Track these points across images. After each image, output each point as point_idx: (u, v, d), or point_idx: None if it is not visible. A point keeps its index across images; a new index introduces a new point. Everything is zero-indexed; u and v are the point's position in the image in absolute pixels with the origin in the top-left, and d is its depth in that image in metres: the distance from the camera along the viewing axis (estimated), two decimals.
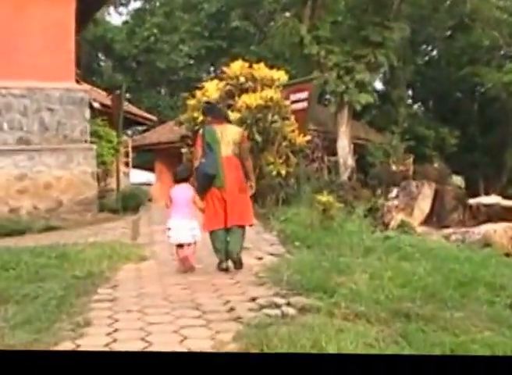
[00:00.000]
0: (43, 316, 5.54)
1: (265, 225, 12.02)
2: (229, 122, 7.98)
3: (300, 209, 12.64)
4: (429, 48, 37.00)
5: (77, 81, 13.85)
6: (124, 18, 39.12)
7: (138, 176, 34.04)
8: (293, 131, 13.50)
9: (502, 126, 33.70)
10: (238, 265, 7.64)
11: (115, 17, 54.05)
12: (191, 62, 35.24)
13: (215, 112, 7.86)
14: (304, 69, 25.42)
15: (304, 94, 14.04)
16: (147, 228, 11.71)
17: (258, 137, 12.99)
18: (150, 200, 29.16)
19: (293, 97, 14.15)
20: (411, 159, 12.38)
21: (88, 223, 12.12)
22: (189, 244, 7.64)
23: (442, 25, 32.34)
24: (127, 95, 41.88)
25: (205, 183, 7.37)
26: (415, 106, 38.64)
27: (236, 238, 7.61)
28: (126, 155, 27.30)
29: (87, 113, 12.98)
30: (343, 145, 24.61)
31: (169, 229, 7.77)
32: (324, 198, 10.63)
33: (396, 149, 25.36)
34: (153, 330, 5.18)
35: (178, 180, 7.85)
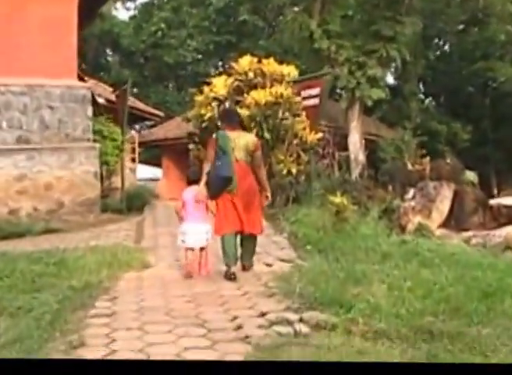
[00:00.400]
0: (35, 334, 5.17)
1: (275, 226, 11.54)
2: (244, 129, 7.85)
3: (312, 210, 12.14)
4: (441, 43, 36.23)
5: (81, 78, 13.38)
6: (131, 13, 38.39)
7: (145, 171, 33.71)
8: (304, 129, 12.99)
9: None
10: (247, 269, 7.60)
11: (122, 12, 53.26)
12: (199, 57, 34.68)
13: (231, 118, 7.71)
14: (314, 64, 24.84)
15: (316, 91, 13.52)
16: (151, 230, 11.24)
17: (268, 135, 12.50)
18: (156, 197, 29.05)
19: (303, 93, 13.61)
20: (428, 159, 11.78)
21: (90, 225, 11.65)
22: (202, 249, 7.49)
23: (455, 19, 31.65)
24: (134, 90, 41.91)
25: (221, 186, 7.17)
26: (426, 101, 37.82)
27: (248, 246, 7.56)
28: (133, 150, 27.01)
29: (90, 111, 12.49)
30: (354, 141, 24.07)
31: (184, 233, 7.54)
32: (337, 199, 10.13)
33: (408, 145, 24.83)
34: (153, 352, 4.73)
35: (190, 181, 7.71)
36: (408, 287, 6.49)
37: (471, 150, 31.43)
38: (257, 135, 12.24)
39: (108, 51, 41.32)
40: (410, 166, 11.21)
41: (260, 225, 7.63)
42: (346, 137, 23.98)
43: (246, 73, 14.93)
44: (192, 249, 7.46)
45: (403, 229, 9.99)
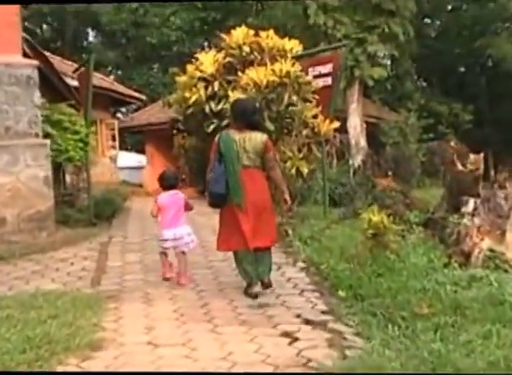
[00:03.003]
0: None
1: (285, 247, 8.26)
2: (256, 129, 6.17)
3: (330, 224, 8.90)
4: (437, 21, 32.89)
5: (27, 56, 9.85)
6: None
7: (129, 158, 30.42)
8: (315, 116, 9.64)
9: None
10: (267, 285, 6.19)
11: None
12: (184, 36, 30.95)
13: (246, 117, 6.14)
14: (309, 41, 21.38)
15: (327, 68, 10.13)
16: (117, 257, 7.89)
17: (271, 125, 9.16)
18: (140, 186, 25.71)
19: (312, 71, 10.24)
20: (482, 155, 8.40)
21: (39, 249, 8.22)
22: (183, 253, 6.80)
23: None
24: (118, 73, 38.46)
25: (214, 202, 6.16)
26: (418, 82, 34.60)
27: (263, 261, 6.21)
28: (113, 137, 23.71)
29: (37, 97, 8.99)
30: (355, 124, 20.74)
31: (163, 240, 6.77)
32: (375, 216, 6.82)
33: (412, 128, 21.70)
34: None
35: (165, 187, 6.88)
36: None
37: (468, 131, 28.78)
38: None
39: (91, 31, 37.64)
40: (459, 166, 7.80)
41: (272, 236, 6.26)
42: (344, 120, 20.62)
43: (240, 48, 11.63)
44: (165, 254, 6.87)
45: (466, 256, 6.68)
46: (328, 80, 10.04)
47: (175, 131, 17.38)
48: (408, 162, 21.11)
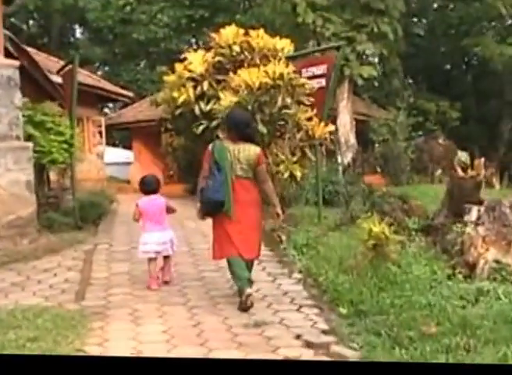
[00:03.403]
0: None
1: (279, 256, 7.80)
2: (250, 141, 6.10)
3: (326, 230, 8.44)
4: (424, 19, 32.45)
5: (9, 54, 9.28)
6: None
7: (117, 154, 29.83)
8: (309, 119, 9.15)
9: (497, 98, 29.72)
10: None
11: None
12: (171, 33, 30.26)
13: (238, 129, 6.05)
14: (298, 40, 20.86)
15: (321, 69, 9.63)
16: (103, 268, 7.37)
17: (263, 128, 8.66)
18: (128, 182, 25.13)
19: (305, 72, 9.75)
20: (483, 160, 7.95)
21: (21, 258, 7.66)
22: (167, 257, 6.75)
23: None
24: (105, 69, 37.73)
25: (212, 210, 5.99)
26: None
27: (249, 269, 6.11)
28: (100, 134, 23.12)
29: (18, 98, 8.40)
30: (345, 122, 20.22)
31: (145, 244, 6.67)
32: (376, 227, 6.37)
33: (401, 126, 21.32)
34: None
35: (147, 191, 6.81)
36: None
37: (454, 127, 28.51)
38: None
39: (77, 28, 36.88)
40: (460, 172, 7.37)
41: (257, 249, 6.19)
42: (334, 118, 20.17)
43: (230, 47, 11.14)
44: (155, 259, 6.67)
45: (471, 268, 6.25)
46: (322, 82, 9.55)
47: (163, 129, 16.85)
48: (397, 159, 20.76)
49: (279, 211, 6.18)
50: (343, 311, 5.72)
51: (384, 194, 8.50)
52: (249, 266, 6.04)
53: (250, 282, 5.93)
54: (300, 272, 7.04)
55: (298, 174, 8.81)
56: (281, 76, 8.53)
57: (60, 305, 5.93)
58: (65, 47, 34.14)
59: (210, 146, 6.06)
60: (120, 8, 29.63)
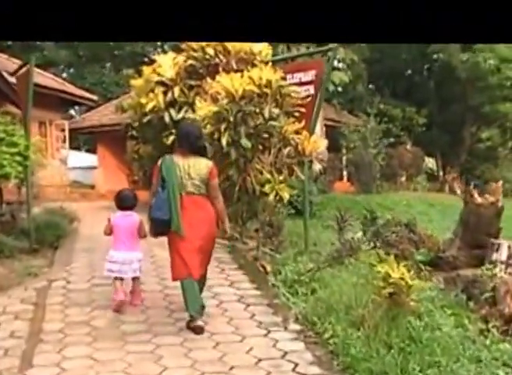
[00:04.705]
0: None
1: (268, 296, 6.31)
2: (201, 155, 5.53)
3: (315, 257, 7.00)
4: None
5: None
6: None
7: (81, 158, 28.04)
8: (297, 132, 7.66)
9: (460, 103, 28.62)
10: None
11: None
12: None
13: (188, 143, 5.47)
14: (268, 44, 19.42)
15: (309, 75, 8.16)
16: (58, 315, 5.71)
17: (247, 143, 7.13)
18: (92, 187, 23.37)
19: (291, 78, 8.25)
20: (500, 183, 6.55)
21: None
22: (134, 279, 6.01)
23: None
24: (70, 71, 35.70)
25: (158, 229, 5.44)
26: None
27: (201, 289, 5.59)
28: (64, 139, 21.37)
29: None
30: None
31: (112, 262, 5.90)
32: (394, 272, 4.91)
33: (372, 132, 20.07)
34: None
35: (121, 207, 6.06)
36: None
37: (418, 133, 27.48)
38: (230, 143, 6.99)
39: None
40: (477, 198, 5.97)
41: (205, 266, 5.61)
42: None
43: (203, 50, 9.61)
44: (121, 279, 5.87)
45: (507, 321, 4.86)
46: (310, 90, 8.07)
47: (128, 135, 15.18)
48: (368, 166, 19.47)
49: (227, 228, 5.73)
50: None
51: (388, 221, 7.04)
52: (201, 283, 5.57)
53: (203, 308, 5.39)
54: (297, 319, 5.57)
55: (286, 195, 7.31)
56: (269, 83, 7.02)
57: None
58: (30, 49, 32.08)
59: (159, 161, 5.51)
60: None
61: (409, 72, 32.39)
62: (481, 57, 24.24)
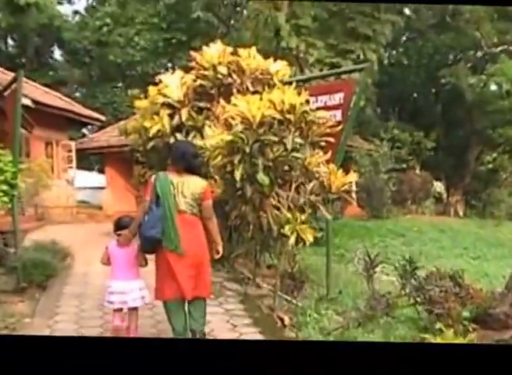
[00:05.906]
0: None
1: None
2: (197, 173, 5.12)
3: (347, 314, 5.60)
4: (399, 48, 30.08)
5: None
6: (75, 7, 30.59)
7: (90, 178, 26.87)
8: (322, 164, 6.28)
9: (465, 127, 27.62)
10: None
11: (67, 6, 43.46)
12: (148, 56, 27.31)
13: (183, 160, 5.10)
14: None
15: (336, 98, 6.81)
16: None
17: (265, 178, 5.76)
18: (100, 208, 22.04)
19: (314, 102, 6.90)
20: None
21: None
22: (135, 308, 5.43)
23: (425, 23, 25.56)
24: (83, 91, 34.56)
25: (148, 248, 5.07)
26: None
27: (196, 311, 5.12)
28: (70, 160, 20.11)
29: None
30: None
31: (111, 293, 5.34)
32: None
33: (384, 157, 18.75)
34: None
35: (120, 235, 5.40)
36: None
37: (425, 157, 26.34)
38: (246, 177, 5.64)
39: (56, 49, 33.70)
40: None
41: (208, 287, 5.21)
42: None
43: (214, 68, 8.28)
44: (120, 310, 5.36)
45: None
46: (337, 115, 6.72)
47: (134, 160, 13.89)
48: (380, 192, 18.12)
49: (220, 248, 5.22)
50: None
51: (432, 274, 5.64)
52: (198, 306, 5.11)
53: (185, 330, 5.05)
54: None
55: (309, 238, 5.92)
56: (292, 108, 5.66)
57: None
58: (42, 68, 31.05)
59: (152, 177, 5.16)
60: (97, 29, 26.59)
61: (414, 95, 31.29)
62: (493, 81, 22.97)
